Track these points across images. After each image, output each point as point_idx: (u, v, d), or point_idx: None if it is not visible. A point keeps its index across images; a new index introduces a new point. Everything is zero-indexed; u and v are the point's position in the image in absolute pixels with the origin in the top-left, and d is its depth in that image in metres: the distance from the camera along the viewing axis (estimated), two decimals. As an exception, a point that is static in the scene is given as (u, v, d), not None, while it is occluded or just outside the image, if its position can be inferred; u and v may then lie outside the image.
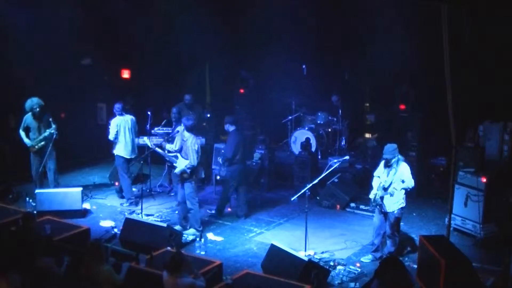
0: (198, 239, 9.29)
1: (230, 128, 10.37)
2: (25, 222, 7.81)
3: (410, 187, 8.58)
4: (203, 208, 10.77)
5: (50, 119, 10.85)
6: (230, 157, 10.27)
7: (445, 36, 7.99)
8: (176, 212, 10.24)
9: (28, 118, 10.85)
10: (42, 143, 10.84)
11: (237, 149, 10.26)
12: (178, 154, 9.66)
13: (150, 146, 10.32)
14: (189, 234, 9.63)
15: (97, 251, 6.81)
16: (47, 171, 10.99)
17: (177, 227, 9.76)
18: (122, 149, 11.00)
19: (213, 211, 10.72)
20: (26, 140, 10.86)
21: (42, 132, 10.83)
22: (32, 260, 6.60)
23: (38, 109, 10.74)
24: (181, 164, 9.55)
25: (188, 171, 9.47)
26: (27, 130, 10.88)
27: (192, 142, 9.43)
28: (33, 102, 10.72)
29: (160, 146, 10.50)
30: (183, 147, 9.56)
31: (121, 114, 10.98)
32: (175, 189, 10.00)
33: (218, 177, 11.06)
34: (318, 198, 11.28)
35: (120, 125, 10.94)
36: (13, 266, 6.33)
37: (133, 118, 11.20)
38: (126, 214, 10.28)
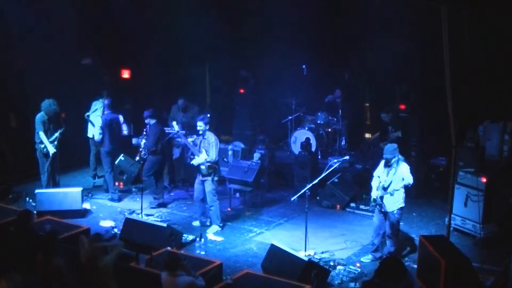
0: (198, 239, 9.30)
1: (151, 121, 10.97)
2: (21, 221, 7.76)
3: (410, 183, 8.59)
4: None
5: (61, 120, 11.02)
6: (153, 147, 10.82)
7: (445, 36, 8.00)
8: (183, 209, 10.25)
9: (43, 119, 10.75)
10: (55, 143, 10.86)
11: (159, 141, 10.81)
12: (203, 149, 9.77)
13: (178, 131, 10.52)
14: (213, 232, 9.80)
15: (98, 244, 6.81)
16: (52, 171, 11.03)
17: (196, 223, 10.08)
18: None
19: (155, 206, 11.04)
20: (50, 146, 10.72)
21: (53, 133, 10.85)
22: (33, 259, 6.56)
23: (56, 112, 10.83)
24: (200, 158, 9.71)
25: (207, 165, 9.63)
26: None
27: (213, 141, 9.70)
28: (52, 104, 10.71)
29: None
30: (201, 144, 9.76)
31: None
32: (196, 188, 10.09)
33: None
34: (318, 198, 11.28)
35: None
36: (13, 266, 6.31)
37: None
38: (126, 214, 10.29)
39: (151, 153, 10.92)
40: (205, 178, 9.82)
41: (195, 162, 9.80)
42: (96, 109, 12.07)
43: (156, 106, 12.55)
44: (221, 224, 10.00)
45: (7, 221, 8.96)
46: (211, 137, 9.77)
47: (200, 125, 9.69)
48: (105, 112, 11.47)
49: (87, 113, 11.73)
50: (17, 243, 7.11)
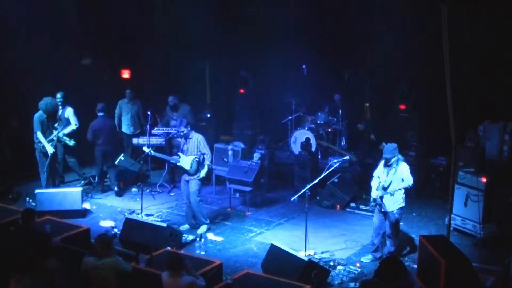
0: (198, 239, 9.30)
1: (99, 113, 11.57)
2: (24, 219, 7.75)
3: (410, 184, 8.58)
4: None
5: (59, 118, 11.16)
6: (90, 139, 11.49)
7: (445, 36, 7.99)
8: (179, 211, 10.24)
9: (42, 118, 10.74)
10: (54, 143, 10.85)
11: (98, 133, 11.45)
12: (180, 153, 9.75)
13: (148, 153, 10.37)
14: (203, 231, 9.75)
15: (107, 244, 6.81)
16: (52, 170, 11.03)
17: (185, 227, 9.96)
18: None
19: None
20: (48, 146, 10.71)
21: (52, 132, 10.85)
22: (39, 260, 6.55)
23: (54, 107, 10.89)
24: (186, 162, 9.68)
25: (196, 160, 9.67)
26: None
27: (201, 138, 9.80)
28: (50, 101, 10.74)
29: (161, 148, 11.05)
30: (189, 146, 9.75)
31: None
32: (183, 190, 10.09)
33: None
34: (318, 198, 11.28)
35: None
36: (19, 267, 6.28)
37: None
38: (126, 214, 10.29)
39: (96, 145, 11.52)
40: (190, 178, 9.79)
41: (188, 167, 9.73)
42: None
43: (156, 106, 12.60)
44: (208, 222, 9.95)
45: (7, 221, 8.96)
46: (195, 136, 9.81)
47: (183, 130, 9.75)
48: (60, 107, 11.66)
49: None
50: (19, 241, 7.10)
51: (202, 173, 9.82)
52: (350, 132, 13.78)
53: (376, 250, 8.88)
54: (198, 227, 9.93)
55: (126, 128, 12.83)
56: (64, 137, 11.18)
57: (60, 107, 11.59)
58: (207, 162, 9.82)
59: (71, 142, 11.19)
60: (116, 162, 12.00)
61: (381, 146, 8.92)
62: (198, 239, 9.29)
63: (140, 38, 13.46)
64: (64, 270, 6.68)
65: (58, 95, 11.60)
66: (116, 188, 11.67)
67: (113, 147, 11.76)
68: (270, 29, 13.19)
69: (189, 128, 9.77)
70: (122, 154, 12.12)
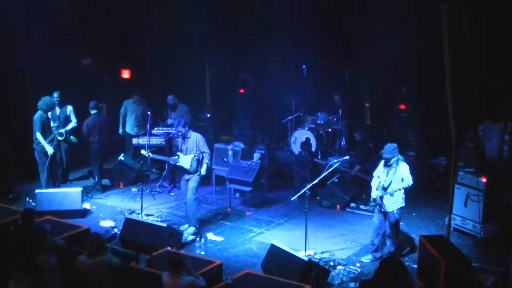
0: (198, 239, 9.29)
1: (92, 111, 11.73)
2: (24, 219, 7.75)
3: (410, 184, 8.58)
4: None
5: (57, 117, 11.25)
6: (85, 135, 11.65)
7: (445, 36, 7.99)
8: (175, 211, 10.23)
9: (43, 118, 10.72)
10: (54, 143, 10.85)
11: (92, 131, 11.60)
12: (179, 153, 9.76)
13: (146, 156, 10.46)
14: (189, 233, 9.66)
15: (98, 244, 6.81)
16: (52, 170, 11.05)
17: (185, 227, 9.88)
18: None
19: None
20: (48, 147, 10.71)
21: (53, 132, 10.85)
22: (38, 258, 6.55)
23: (54, 103, 10.96)
24: (185, 161, 9.67)
25: (195, 159, 9.66)
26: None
27: (199, 137, 9.80)
28: (48, 100, 10.74)
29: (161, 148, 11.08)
30: (188, 145, 9.74)
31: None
32: (184, 190, 10.09)
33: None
34: (318, 198, 11.28)
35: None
36: (19, 267, 6.28)
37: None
38: (126, 214, 10.29)
39: (91, 142, 11.66)
40: (190, 176, 9.78)
41: (188, 166, 9.72)
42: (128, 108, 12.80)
43: (156, 106, 12.60)
44: (197, 226, 9.85)
45: (7, 221, 8.96)
46: (193, 135, 9.81)
47: (181, 130, 9.75)
48: (58, 106, 11.71)
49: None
50: (19, 241, 7.10)
51: (202, 170, 9.81)
52: (350, 132, 13.80)
53: (376, 250, 8.88)
54: (187, 228, 9.82)
55: (130, 129, 12.76)
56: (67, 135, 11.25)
57: (58, 106, 11.59)
58: (206, 160, 9.80)
59: (74, 139, 11.21)
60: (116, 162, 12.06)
61: (380, 152, 8.91)
62: (198, 239, 9.29)
63: (140, 38, 13.46)
64: (60, 270, 6.68)
65: (55, 94, 11.60)
66: (96, 179, 11.86)
67: (107, 144, 11.82)
68: (270, 29, 13.19)
69: (186, 128, 9.77)
70: (122, 154, 12.16)
